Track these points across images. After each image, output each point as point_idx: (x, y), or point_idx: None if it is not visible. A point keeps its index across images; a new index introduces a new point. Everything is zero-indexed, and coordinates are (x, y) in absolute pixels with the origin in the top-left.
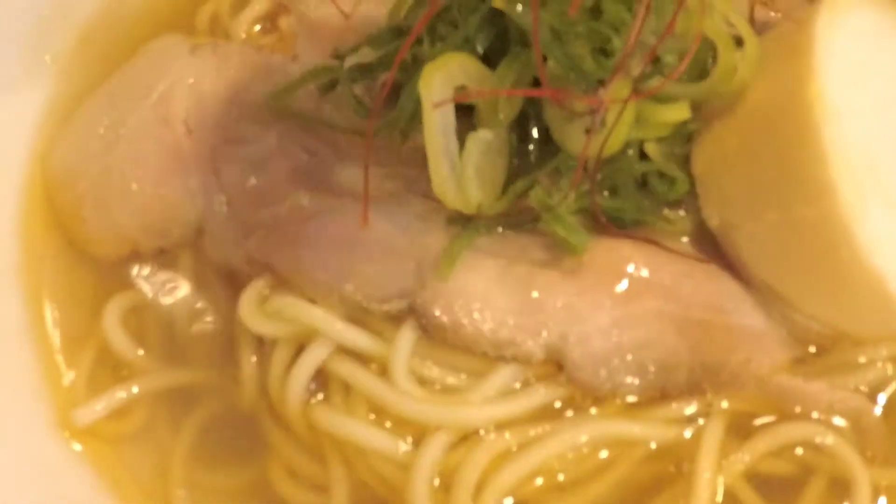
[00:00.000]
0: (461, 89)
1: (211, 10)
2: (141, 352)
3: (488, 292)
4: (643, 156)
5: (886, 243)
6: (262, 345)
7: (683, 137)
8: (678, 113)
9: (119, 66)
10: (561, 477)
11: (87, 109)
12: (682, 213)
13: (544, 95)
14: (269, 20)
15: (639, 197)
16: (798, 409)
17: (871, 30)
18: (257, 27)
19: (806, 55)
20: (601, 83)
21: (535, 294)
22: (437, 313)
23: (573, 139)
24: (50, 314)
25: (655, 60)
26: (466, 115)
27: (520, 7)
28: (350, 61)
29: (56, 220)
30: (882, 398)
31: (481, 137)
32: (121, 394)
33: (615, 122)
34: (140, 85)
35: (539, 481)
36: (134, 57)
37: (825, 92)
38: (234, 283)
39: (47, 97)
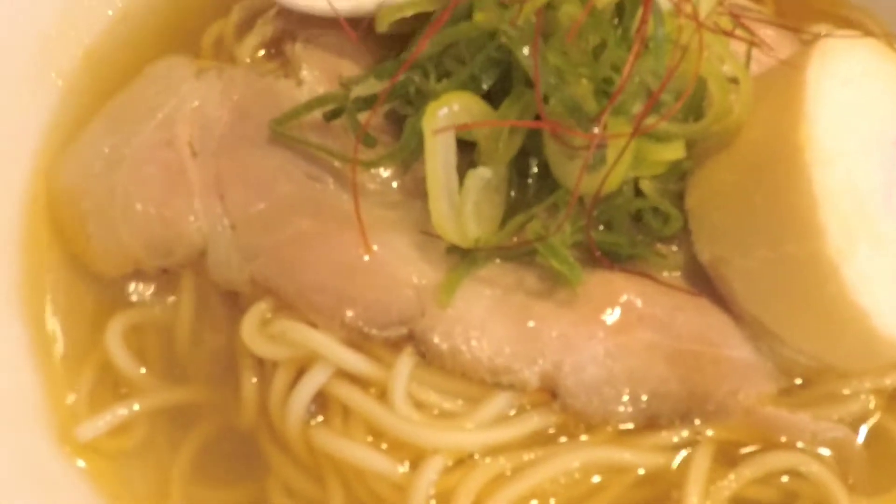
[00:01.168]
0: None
1: (216, 33)
2: (142, 370)
3: (486, 321)
4: (638, 192)
5: (872, 282)
6: (263, 365)
7: (677, 175)
8: (674, 152)
9: (123, 86)
10: (553, 501)
11: (92, 129)
12: (674, 248)
13: (545, 128)
14: (274, 45)
15: (633, 232)
16: (783, 439)
17: (860, 72)
18: (261, 52)
19: (797, 100)
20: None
21: (531, 324)
22: (436, 340)
23: (572, 176)
24: (52, 331)
25: (652, 101)
26: (467, 152)
27: (525, 49)
28: (356, 92)
29: (59, 237)
30: (864, 429)
31: (480, 175)
32: (122, 411)
33: (616, 159)
34: (144, 106)
35: None
36: (138, 77)
37: (815, 136)
38: (235, 303)
39: (52, 115)
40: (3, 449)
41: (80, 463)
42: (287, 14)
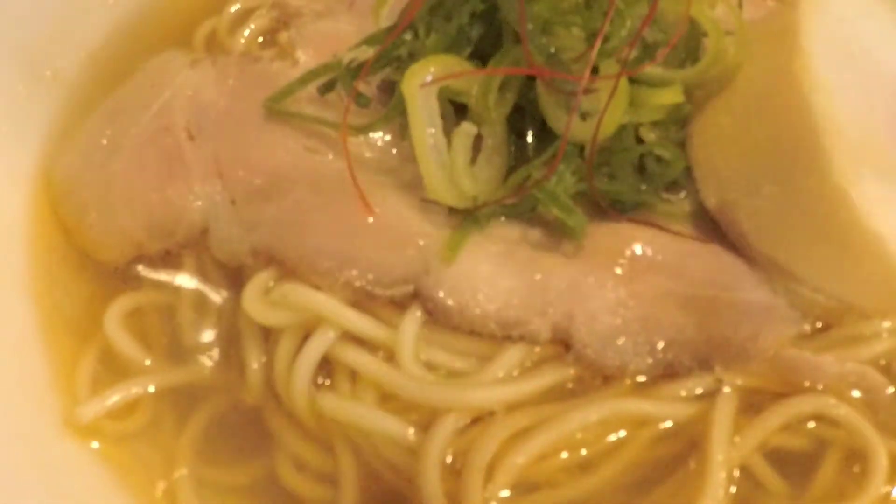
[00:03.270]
0: (446, 89)
1: (209, 28)
2: (145, 351)
3: (493, 275)
4: (640, 142)
5: (883, 207)
6: (267, 340)
7: (678, 122)
8: (671, 96)
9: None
10: (573, 457)
11: (90, 123)
12: (681, 195)
13: (532, 74)
14: (268, 35)
15: (636, 180)
16: (808, 383)
17: (853, 13)
18: (260, 39)
19: (792, 34)
20: (595, 70)
21: (538, 276)
22: (443, 296)
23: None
24: (57, 317)
25: (647, 45)
26: (461, 115)
27: (513, 3)
28: (348, 57)
29: (62, 228)
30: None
31: (466, 131)
32: (124, 391)
33: (609, 100)
34: (141, 98)
35: (551, 462)
36: (134, 73)
37: (812, 67)
38: (237, 281)
39: (54, 113)
40: (8, 433)
41: (87, 446)
42: (281, 6)
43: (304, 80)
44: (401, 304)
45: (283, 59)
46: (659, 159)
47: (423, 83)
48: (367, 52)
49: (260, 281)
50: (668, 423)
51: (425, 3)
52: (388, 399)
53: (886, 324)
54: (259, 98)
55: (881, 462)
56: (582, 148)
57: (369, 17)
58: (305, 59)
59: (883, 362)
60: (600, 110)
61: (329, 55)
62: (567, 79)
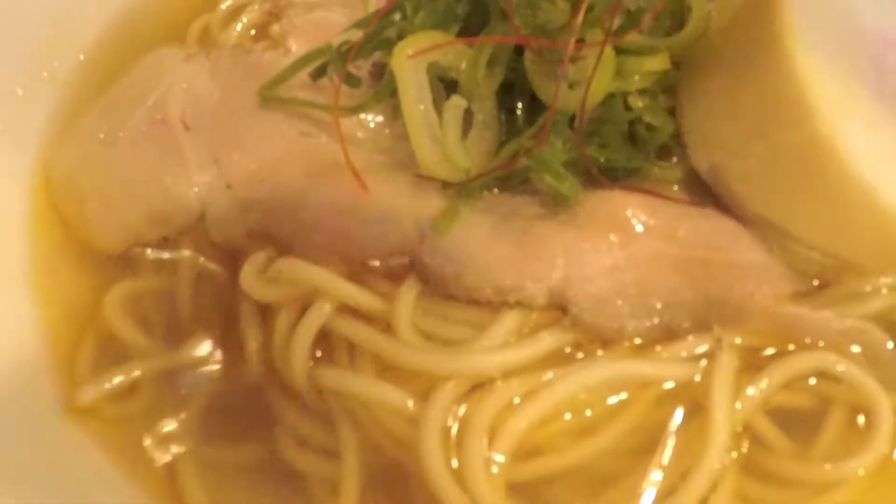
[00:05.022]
0: (435, 65)
1: (203, 24)
2: (143, 335)
3: (487, 243)
4: (629, 110)
5: (872, 159)
6: (265, 318)
7: (666, 89)
8: (658, 63)
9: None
10: (574, 420)
11: (88, 118)
12: (674, 160)
13: (518, 43)
14: (260, 29)
15: (627, 148)
16: (808, 340)
17: None
18: (252, 32)
19: None
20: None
21: (533, 243)
22: (439, 265)
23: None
24: (56, 305)
25: (631, 13)
26: (451, 91)
27: None
28: (339, 40)
29: (61, 220)
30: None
31: (456, 104)
32: (124, 373)
33: (595, 67)
34: (137, 93)
35: (553, 427)
36: (130, 70)
37: (793, 23)
38: (235, 264)
39: (51, 113)
40: (8, 417)
41: (87, 428)
42: (273, 0)
43: (295, 67)
44: (397, 277)
45: (275, 49)
46: (648, 126)
47: (411, 56)
48: (358, 35)
49: (257, 260)
50: (670, 384)
51: None
52: (386, 370)
53: (886, 280)
54: (253, 88)
55: (886, 416)
56: (572, 119)
57: (360, 6)
58: (297, 48)
59: (883, 319)
60: (588, 79)
61: (321, 43)
62: (553, 47)
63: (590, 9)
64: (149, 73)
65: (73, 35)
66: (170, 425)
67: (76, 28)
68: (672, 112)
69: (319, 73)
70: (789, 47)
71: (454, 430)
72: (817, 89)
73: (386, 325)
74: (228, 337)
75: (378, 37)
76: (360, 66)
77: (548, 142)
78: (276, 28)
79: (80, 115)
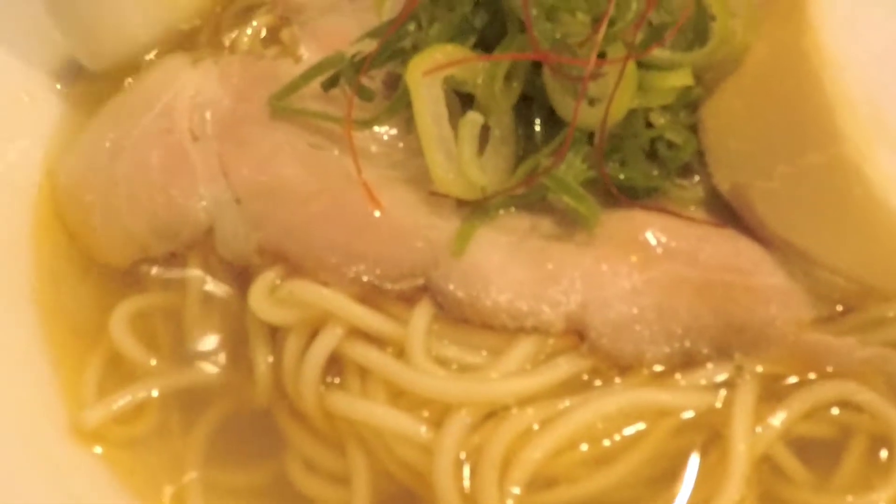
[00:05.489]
0: (450, 79)
1: (212, 27)
2: (151, 354)
3: (503, 266)
4: (650, 126)
5: None
6: (275, 339)
7: (689, 106)
8: (681, 79)
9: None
10: (591, 451)
11: (93, 127)
12: (695, 179)
13: (538, 59)
14: (271, 32)
15: (648, 166)
16: (830, 368)
17: None
18: (263, 33)
19: (800, 11)
20: (602, 56)
21: (550, 266)
22: (453, 288)
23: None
24: (62, 321)
25: (653, 28)
26: (467, 104)
27: None
28: (352, 51)
29: (66, 232)
30: None
31: (472, 120)
32: (130, 395)
33: (616, 87)
34: (143, 100)
35: (568, 456)
36: (137, 76)
37: (821, 43)
38: (244, 281)
39: (58, 121)
40: (15, 438)
41: (94, 451)
42: (283, 3)
43: (307, 77)
44: (410, 299)
45: (285, 56)
46: (670, 144)
47: (426, 71)
48: (371, 46)
49: (266, 279)
50: (689, 413)
51: None
52: (399, 396)
53: None
54: (262, 96)
55: None
56: (591, 135)
57: (374, 11)
58: (309, 55)
59: None
60: (608, 95)
61: (333, 51)
62: (574, 64)
63: (611, 23)
64: (156, 78)
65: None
66: (177, 447)
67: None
68: (694, 129)
69: (331, 83)
70: (817, 67)
71: (468, 459)
72: (845, 111)
73: (399, 349)
74: (237, 357)
75: (392, 47)
76: (373, 77)
77: (566, 159)
78: (286, 33)
79: (87, 123)
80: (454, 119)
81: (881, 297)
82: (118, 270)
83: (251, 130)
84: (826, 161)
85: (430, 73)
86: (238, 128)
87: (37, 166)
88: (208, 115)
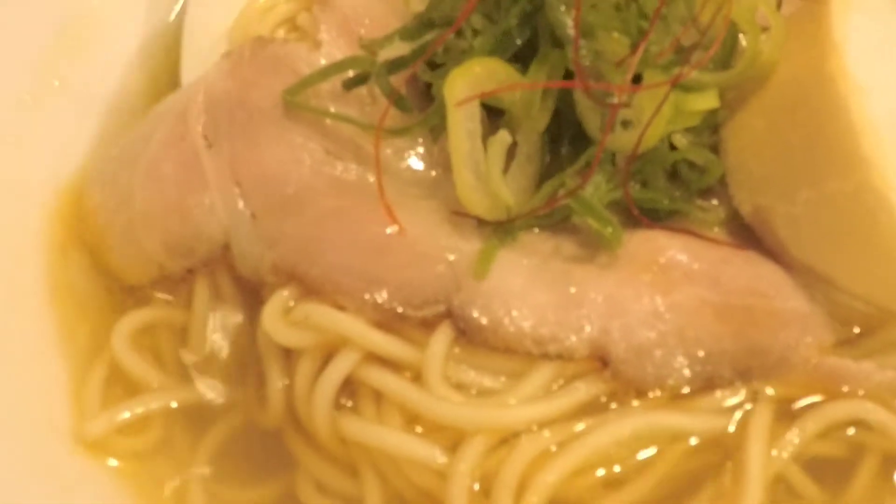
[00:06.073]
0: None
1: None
2: (154, 368)
3: (526, 290)
4: (671, 146)
5: None
6: (289, 359)
7: (711, 127)
8: (708, 101)
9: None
10: (606, 474)
11: (120, 139)
12: (714, 202)
13: (576, 87)
14: (290, 22)
15: (670, 187)
16: (846, 390)
17: (885, 7)
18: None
19: (823, 33)
20: (636, 79)
21: (573, 289)
22: (476, 314)
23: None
24: (73, 332)
25: (681, 49)
26: (494, 118)
27: (560, 5)
28: (383, 55)
29: (74, 236)
30: None
31: (502, 140)
32: (133, 408)
33: (655, 112)
34: (163, 110)
35: (583, 479)
36: None
37: (846, 67)
38: (254, 297)
39: (62, 122)
40: (19, 449)
41: (100, 461)
42: None
43: (326, 73)
44: (430, 323)
45: (302, 39)
46: (692, 165)
47: (468, 96)
48: (401, 49)
49: (280, 299)
50: (704, 436)
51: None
52: (414, 420)
53: None
54: (274, 86)
55: None
56: (614, 154)
57: None
58: (328, 38)
59: None
60: (640, 119)
61: (354, 37)
62: (608, 90)
63: (649, 48)
64: (179, 90)
65: (84, 41)
66: (182, 461)
67: (87, 34)
68: (716, 149)
69: (356, 82)
70: (843, 92)
71: (482, 483)
72: (870, 137)
73: (416, 374)
74: (245, 374)
75: (423, 51)
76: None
77: (591, 181)
78: (304, 17)
79: (92, 124)
80: (484, 138)
81: None
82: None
83: (264, 130)
84: (850, 188)
85: (465, 101)
86: (249, 124)
87: (41, 170)
88: (219, 109)
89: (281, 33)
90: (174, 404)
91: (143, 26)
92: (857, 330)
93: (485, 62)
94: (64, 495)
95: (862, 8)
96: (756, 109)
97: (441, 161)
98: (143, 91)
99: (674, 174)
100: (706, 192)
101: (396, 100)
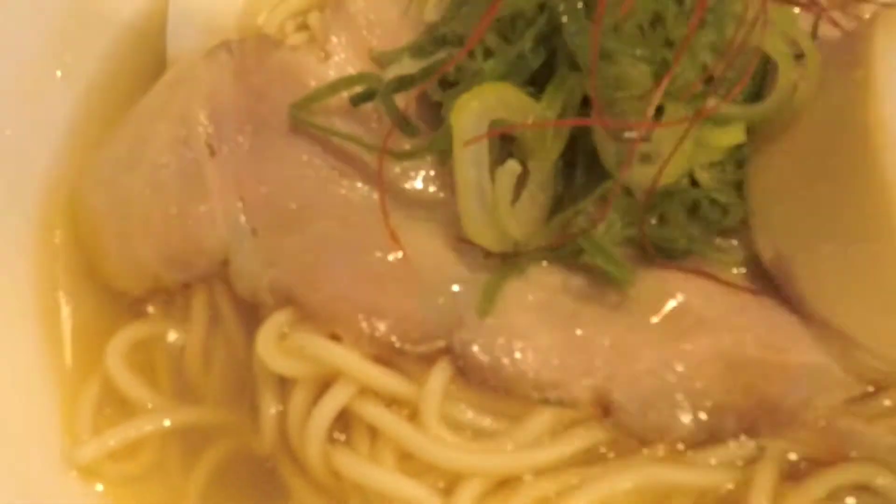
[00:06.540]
0: (498, 122)
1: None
2: (148, 389)
3: (531, 330)
4: (693, 182)
5: None
6: (283, 385)
7: (736, 162)
8: (734, 136)
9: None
10: None
11: (115, 133)
12: (734, 242)
13: (595, 125)
14: (300, 16)
15: (689, 226)
16: (854, 454)
17: None
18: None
19: (864, 77)
20: (657, 110)
21: (579, 332)
22: (476, 353)
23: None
24: (64, 347)
25: (710, 80)
26: (506, 145)
27: (577, 28)
28: (390, 72)
29: (74, 251)
30: None
31: (511, 170)
32: (125, 432)
33: (675, 148)
34: (160, 102)
35: None
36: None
37: (886, 117)
38: (252, 317)
39: (64, 113)
40: (9, 471)
41: (89, 487)
42: None
43: (334, 88)
44: (429, 358)
45: (310, 47)
46: (714, 202)
47: (475, 136)
48: (410, 66)
49: (276, 323)
50: (706, 492)
51: (479, 13)
52: (409, 458)
53: None
54: (282, 97)
55: None
56: (630, 190)
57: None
58: (338, 48)
59: None
60: (659, 153)
61: (365, 48)
62: (629, 127)
63: (673, 79)
64: (171, 78)
65: (87, 31)
66: (176, 486)
67: (90, 23)
68: (740, 186)
69: (363, 98)
70: (878, 146)
71: None
72: None
73: (412, 410)
74: (240, 398)
75: (433, 70)
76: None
77: (605, 219)
78: (315, 18)
79: (94, 116)
80: (491, 160)
81: None
82: (124, 297)
83: (270, 143)
84: (878, 249)
85: (472, 141)
86: (256, 138)
87: (44, 161)
88: (225, 119)
89: (290, 30)
90: (167, 427)
91: (130, 2)
92: (871, 388)
93: (496, 89)
94: None
95: None
96: (785, 149)
97: (450, 183)
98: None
99: (693, 210)
100: (726, 232)
101: (401, 123)
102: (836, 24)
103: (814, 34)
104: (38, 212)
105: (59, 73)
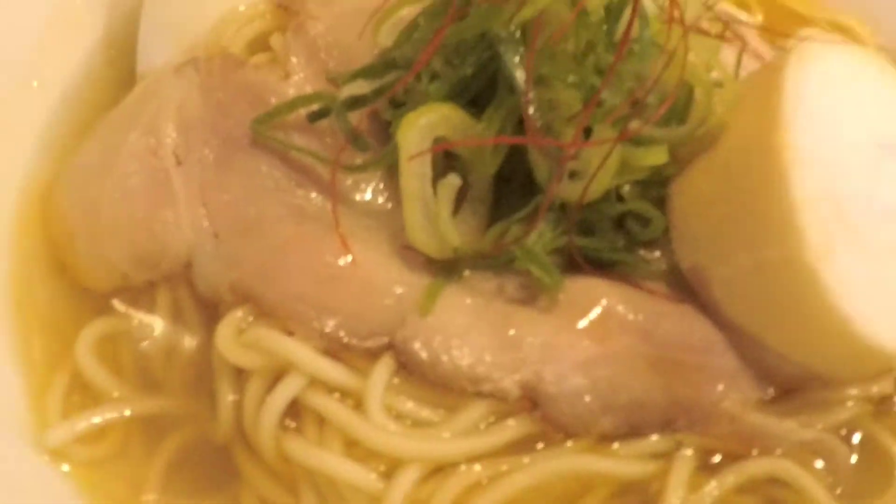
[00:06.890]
0: (441, 139)
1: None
2: (114, 379)
3: (467, 329)
4: (619, 197)
5: (854, 287)
6: (240, 376)
7: (659, 181)
8: (656, 156)
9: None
10: None
11: (88, 141)
12: (657, 254)
13: (527, 143)
14: (263, 37)
15: (614, 237)
16: (769, 448)
17: (841, 75)
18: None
19: (774, 103)
20: (586, 131)
21: (511, 332)
22: (416, 349)
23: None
24: (33, 339)
25: (635, 103)
26: (449, 160)
27: (515, 56)
28: (345, 92)
29: (44, 247)
30: (854, 438)
31: (451, 183)
32: (93, 418)
33: (600, 166)
34: (130, 114)
35: None
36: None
37: (792, 139)
38: (212, 313)
39: (40, 123)
40: None
41: (55, 469)
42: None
43: (293, 106)
44: (374, 353)
45: (271, 66)
46: (638, 217)
47: (419, 151)
48: (363, 87)
49: (234, 319)
50: (626, 482)
51: (426, 38)
52: (354, 444)
53: (852, 391)
54: (244, 113)
55: None
56: (562, 203)
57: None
58: (298, 68)
59: (844, 431)
60: (587, 171)
61: (322, 68)
62: (559, 146)
63: (600, 102)
64: (142, 90)
65: (64, 42)
66: (137, 471)
67: (67, 35)
68: (662, 203)
69: (319, 116)
70: (785, 165)
71: None
72: (808, 212)
73: (358, 401)
74: (200, 389)
75: (384, 90)
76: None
77: (536, 229)
78: (277, 40)
79: (70, 126)
80: (434, 174)
81: (824, 381)
82: (92, 293)
83: (233, 155)
84: (783, 259)
85: (416, 156)
86: (220, 150)
87: (19, 171)
88: (191, 132)
89: (254, 50)
90: (132, 414)
91: (106, 17)
92: (781, 389)
93: (439, 109)
94: (20, 501)
95: (816, 79)
96: (704, 169)
97: (397, 195)
98: (107, 87)
99: (620, 224)
100: (650, 244)
101: (353, 139)
102: (759, 55)
103: (738, 64)
104: (13, 214)
105: (35, 83)
